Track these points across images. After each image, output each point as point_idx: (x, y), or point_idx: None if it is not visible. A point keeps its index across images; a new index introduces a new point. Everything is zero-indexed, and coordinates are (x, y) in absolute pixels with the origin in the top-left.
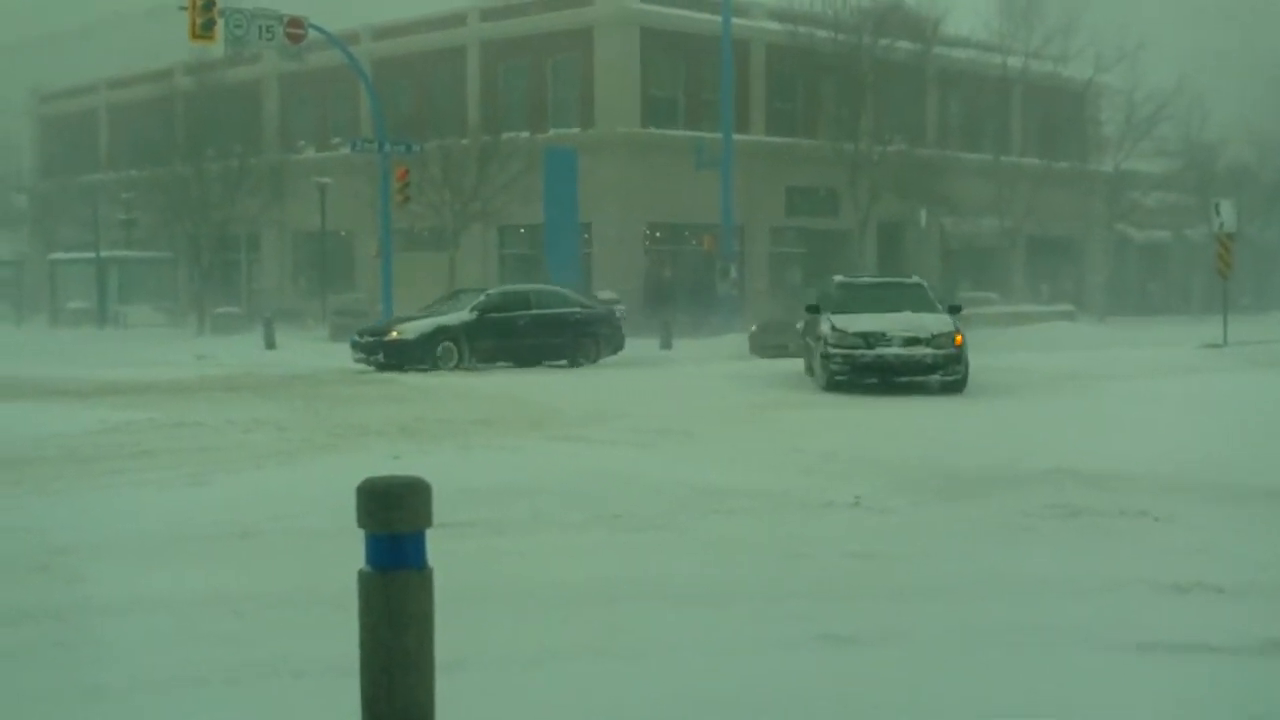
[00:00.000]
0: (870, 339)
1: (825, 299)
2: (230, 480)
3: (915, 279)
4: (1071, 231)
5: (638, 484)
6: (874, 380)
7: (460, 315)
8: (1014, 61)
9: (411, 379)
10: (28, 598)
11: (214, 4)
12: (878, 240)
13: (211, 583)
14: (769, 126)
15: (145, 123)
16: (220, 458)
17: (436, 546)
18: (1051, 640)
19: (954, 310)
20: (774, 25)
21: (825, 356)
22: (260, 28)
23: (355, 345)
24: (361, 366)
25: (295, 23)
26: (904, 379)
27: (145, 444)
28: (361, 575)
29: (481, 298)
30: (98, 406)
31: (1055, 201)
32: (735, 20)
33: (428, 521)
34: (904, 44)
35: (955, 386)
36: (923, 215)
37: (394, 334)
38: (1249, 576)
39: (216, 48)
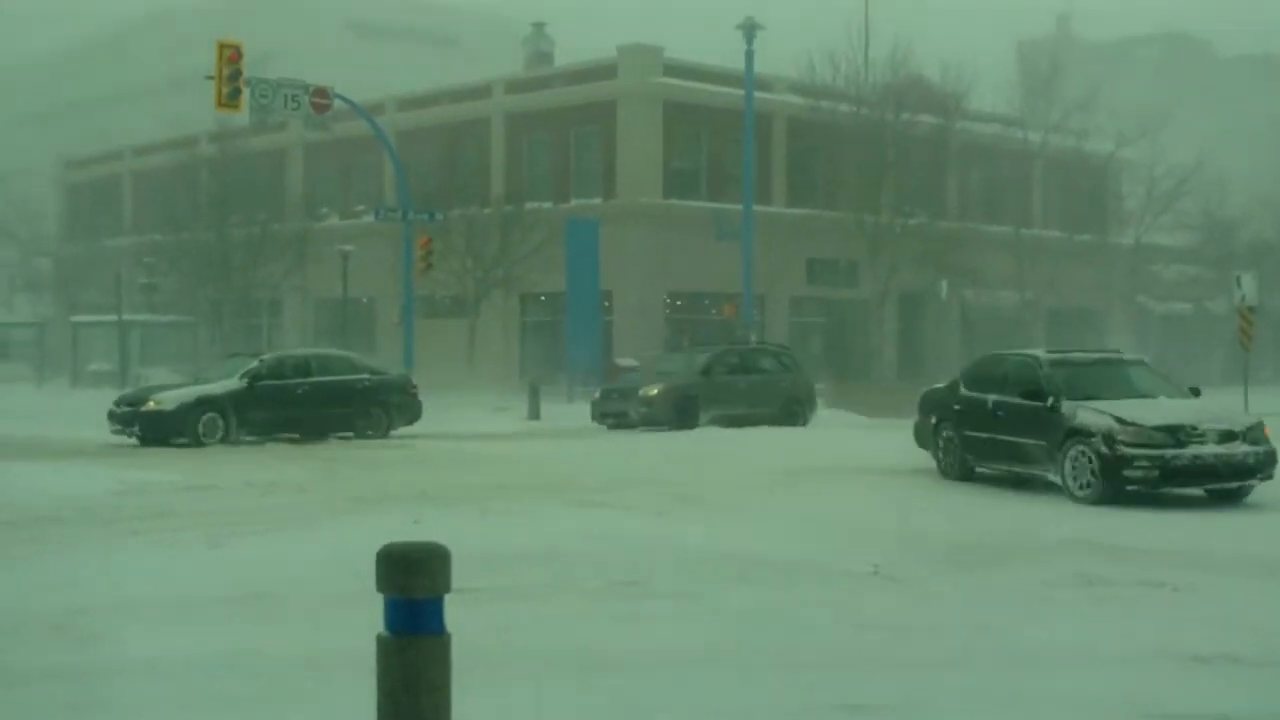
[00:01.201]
0: (1179, 434)
1: (1004, 379)
2: (248, 543)
3: (1135, 356)
4: (1092, 304)
5: (656, 551)
6: (1191, 489)
7: (228, 384)
8: (1035, 136)
9: (434, 444)
10: (43, 657)
11: (240, 74)
12: (898, 311)
13: (228, 645)
14: (790, 198)
15: (169, 189)
16: (238, 520)
17: (453, 611)
18: (1069, 711)
19: (1196, 393)
20: (796, 99)
21: (1116, 459)
22: (286, 97)
23: (112, 416)
24: (120, 439)
25: (321, 93)
26: (1223, 485)
27: (164, 506)
28: (380, 640)
29: (254, 364)
30: (117, 468)
31: (1076, 274)
32: (757, 94)
33: (447, 587)
34: (925, 118)
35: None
36: (943, 287)
37: (151, 404)
38: (1269, 647)
39: (241, 116)
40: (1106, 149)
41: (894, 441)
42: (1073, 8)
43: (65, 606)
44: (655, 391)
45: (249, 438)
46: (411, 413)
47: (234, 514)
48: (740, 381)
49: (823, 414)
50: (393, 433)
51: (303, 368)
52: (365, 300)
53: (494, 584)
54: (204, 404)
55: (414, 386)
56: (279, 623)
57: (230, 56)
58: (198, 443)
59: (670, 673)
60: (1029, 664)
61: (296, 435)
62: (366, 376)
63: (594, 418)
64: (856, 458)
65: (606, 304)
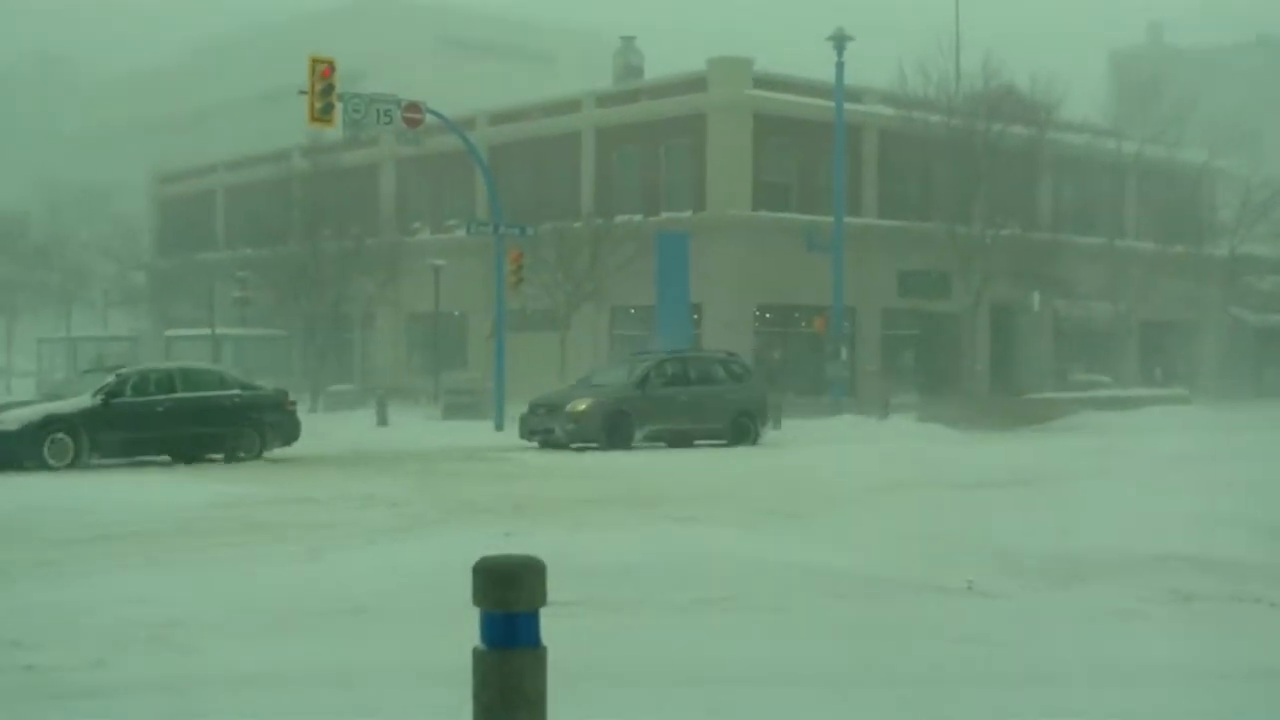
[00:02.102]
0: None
1: None
2: (343, 556)
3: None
4: (1186, 315)
5: (748, 565)
6: None
7: (80, 401)
8: (1128, 146)
9: (527, 457)
10: (140, 669)
11: (332, 89)
12: (990, 323)
13: (323, 658)
14: (881, 210)
15: (262, 203)
16: (333, 533)
17: (544, 624)
18: None
19: None
20: (887, 110)
21: None
22: (378, 112)
23: None
24: None
25: (413, 107)
26: None
27: (258, 519)
28: (476, 653)
29: (111, 379)
30: (211, 481)
31: (1169, 285)
32: (848, 105)
33: (542, 600)
34: (1018, 129)
35: None
36: (1036, 298)
37: None
38: None
39: (334, 131)
40: (1200, 158)
41: (984, 455)
42: (1166, 16)
43: (162, 619)
44: (583, 407)
45: (105, 460)
46: (288, 432)
47: (329, 527)
48: (681, 394)
49: (912, 427)
50: (267, 454)
51: (166, 383)
52: (457, 314)
53: (584, 597)
54: (52, 423)
55: (291, 403)
56: (374, 636)
57: (323, 72)
58: (44, 466)
59: (762, 689)
60: (1124, 680)
61: (166, 457)
62: (237, 392)
63: (522, 434)
64: (946, 471)
65: (696, 317)
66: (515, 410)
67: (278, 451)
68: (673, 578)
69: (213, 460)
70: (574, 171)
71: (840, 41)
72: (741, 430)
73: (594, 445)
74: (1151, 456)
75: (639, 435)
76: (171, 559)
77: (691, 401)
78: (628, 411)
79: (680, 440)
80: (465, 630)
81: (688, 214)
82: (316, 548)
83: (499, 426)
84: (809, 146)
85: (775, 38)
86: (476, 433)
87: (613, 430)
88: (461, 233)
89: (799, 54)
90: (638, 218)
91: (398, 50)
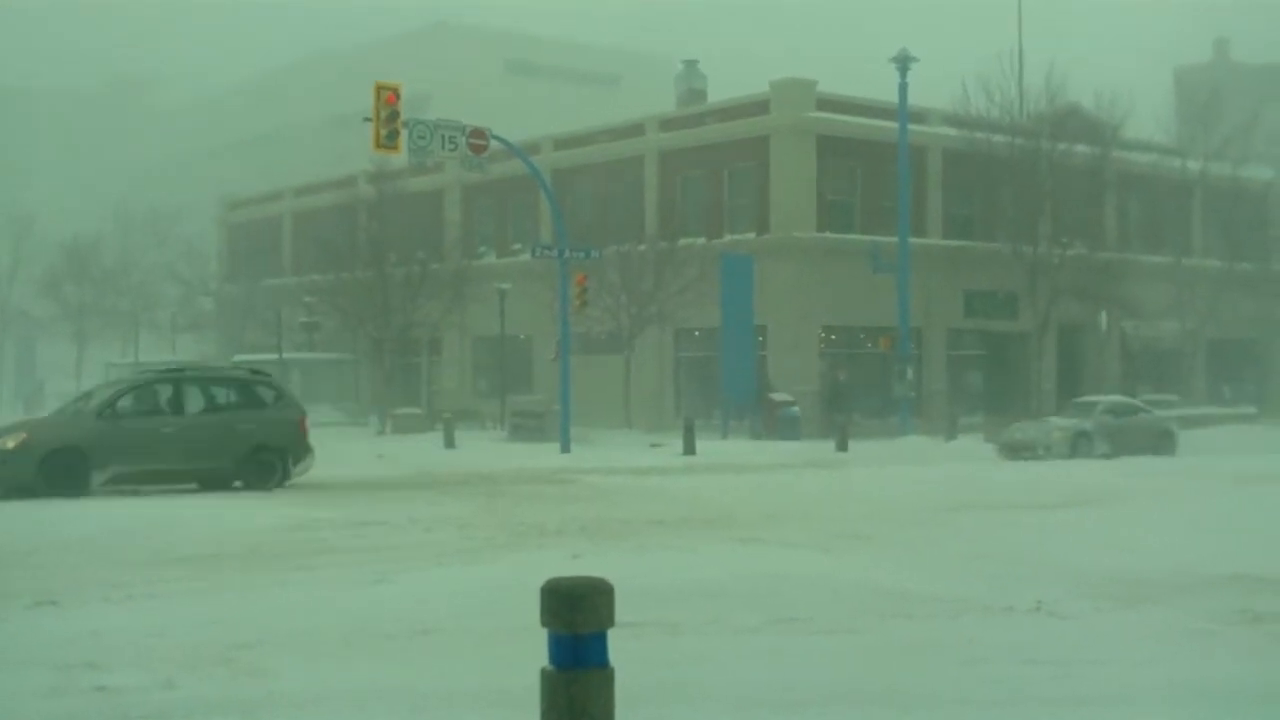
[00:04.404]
0: None
1: None
2: (412, 578)
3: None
4: (1253, 333)
5: (817, 586)
6: None
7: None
8: (1193, 164)
9: (596, 480)
10: (212, 690)
11: (397, 115)
12: (1057, 343)
13: (392, 680)
14: (946, 230)
15: (328, 229)
16: (402, 555)
17: (611, 646)
18: None
19: None
20: (950, 131)
21: None
22: (443, 138)
23: None
24: None
25: (478, 133)
26: None
27: (327, 541)
28: (544, 674)
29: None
30: (280, 504)
31: (1237, 303)
32: (911, 127)
33: (610, 622)
34: (1082, 148)
35: None
36: (1103, 318)
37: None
38: None
39: (399, 157)
40: (1267, 175)
41: (1051, 475)
42: (1233, 32)
43: (233, 641)
44: (12, 445)
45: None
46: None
47: (398, 549)
48: (166, 425)
49: (979, 448)
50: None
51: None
52: (522, 338)
53: (652, 619)
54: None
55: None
56: (443, 657)
57: (388, 98)
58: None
59: (831, 710)
60: (1194, 701)
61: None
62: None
63: None
64: (1013, 492)
65: (761, 338)
66: (578, 433)
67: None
68: (744, 599)
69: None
70: (638, 195)
71: (903, 63)
72: (263, 470)
73: (34, 494)
74: (1220, 475)
75: (98, 479)
76: (240, 581)
77: (182, 434)
78: (81, 448)
79: (166, 482)
80: (533, 651)
81: (751, 236)
82: (385, 570)
83: (565, 449)
84: (872, 167)
85: (838, 59)
86: (543, 455)
87: (53, 475)
88: (526, 257)
89: (862, 76)
90: (701, 240)
91: (463, 75)
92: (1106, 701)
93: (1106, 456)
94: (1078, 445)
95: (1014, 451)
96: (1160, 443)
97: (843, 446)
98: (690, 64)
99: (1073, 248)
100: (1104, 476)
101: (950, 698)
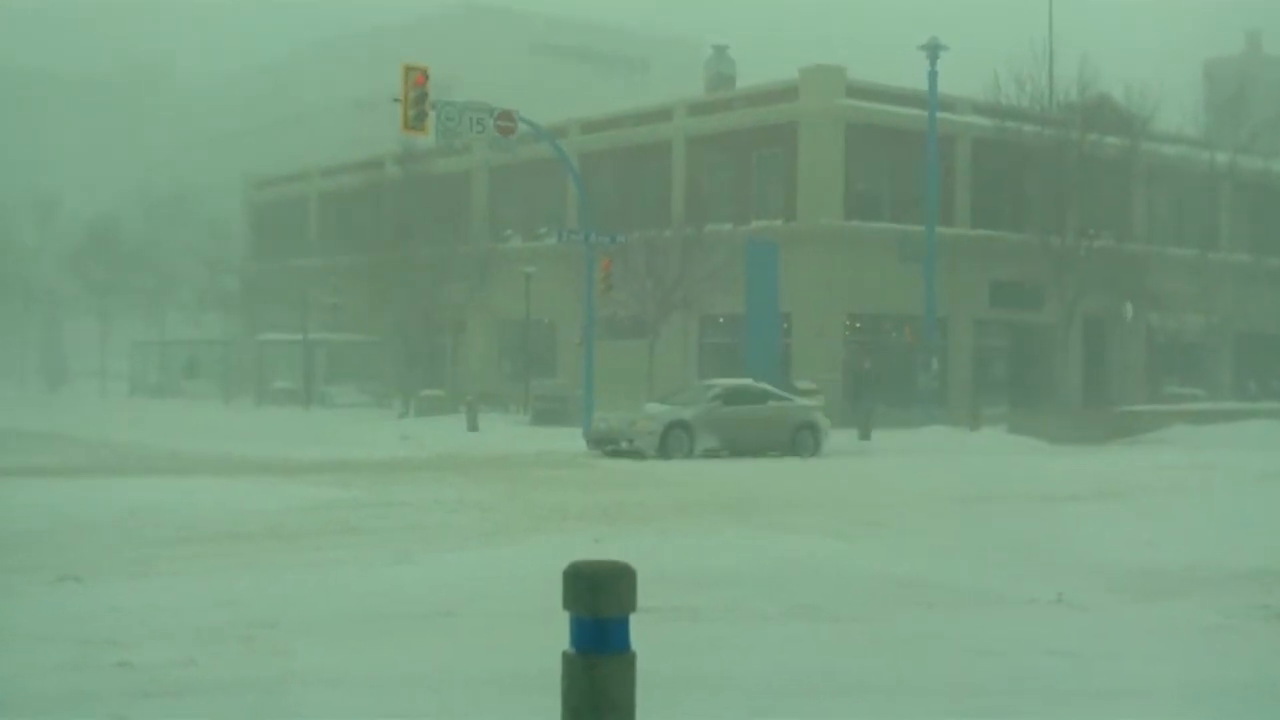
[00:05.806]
0: None
1: None
2: (434, 560)
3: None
4: None
5: (838, 575)
6: None
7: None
8: (1222, 156)
9: (615, 464)
10: (232, 669)
11: (426, 97)
12: (1083, 334)
13: (413, 660)
14: (974, 220)
15: (354, 210)
16: (424, 537)
17: (634, 630)
18: None
19: None
20: (980, 120)
21: None
22: (471, 120)
23: None
24: None
25: (506, 116)
26: None
27: (350, 522)
28: (565, 657)
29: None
30: (302, 484)
31: (1264, 297)
32: (941, 115)
33: (632, 606)
34: (1111, 140)
35: None
36: (1129, 310)
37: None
38: None
39: (427, 138)
40: None
41: (1075, 468)
42: (1266, 24)
43: (254, 619)
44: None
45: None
46: None
47: (419, 531)
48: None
49: (1004, 439)
50: None
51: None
52: (547, 321)
53: (672, 604)
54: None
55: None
56: (464, 639)
57: (416, 79)
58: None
59: (847, 698)
60: (1210, 696)
61: None
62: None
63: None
64: (1037, 484)
65: (786, 326)
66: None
67: None
68: (763, 586)
69: None
70: (665, 180)
71: (933, 51)
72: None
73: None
74: (1244, 471)
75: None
76: (262, 561)
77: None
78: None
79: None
80: (555, 634)
81: (778, 223)
82: (407, 551)
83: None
84: (901, 156)
85: (868, 46)
86: (566, 439)
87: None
88: (552, 240)
89: (892, 63)
90: (728, 226)
91: (492, 56)
92: (1127, 695)
93: (712, 454)
94: (669, 439)
95: (598, 444)
96: (797, 439)
97: (866, 436)
98: (720, 49)
99: (1100, 240)
100: (1132, 470)
101: (970, 689)
